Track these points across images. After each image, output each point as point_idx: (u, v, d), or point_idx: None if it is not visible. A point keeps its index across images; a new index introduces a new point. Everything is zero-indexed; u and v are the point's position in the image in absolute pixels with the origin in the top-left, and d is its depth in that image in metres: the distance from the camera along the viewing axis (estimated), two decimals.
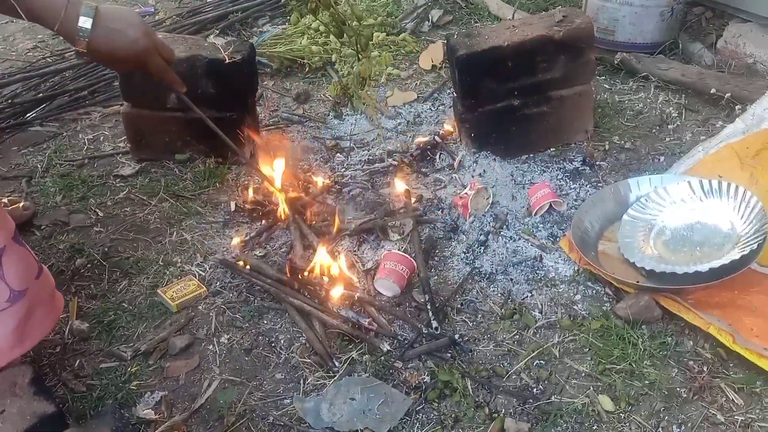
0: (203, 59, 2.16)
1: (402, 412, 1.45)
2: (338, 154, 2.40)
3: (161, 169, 2.30)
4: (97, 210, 2.13)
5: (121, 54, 1.37)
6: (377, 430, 1.42)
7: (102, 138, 2.54)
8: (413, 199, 2.09)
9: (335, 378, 1.54)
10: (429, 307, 1.68)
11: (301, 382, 1.55)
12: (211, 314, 1.74)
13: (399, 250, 1.87)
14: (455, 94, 2.34)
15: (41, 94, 2.71)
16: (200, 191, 2.19)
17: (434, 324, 1.64)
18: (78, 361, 1.62)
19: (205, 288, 1.79)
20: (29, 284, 1.39)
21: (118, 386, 1.55)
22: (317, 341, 1.61)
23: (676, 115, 2.44)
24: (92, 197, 2.20)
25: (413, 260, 1.81)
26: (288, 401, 1.51)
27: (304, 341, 1.64)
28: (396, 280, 1.75)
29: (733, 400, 1.45)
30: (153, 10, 3.63)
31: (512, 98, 2.20)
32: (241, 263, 1.85)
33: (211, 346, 1.66)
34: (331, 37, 2.92)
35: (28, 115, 2.63)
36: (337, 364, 1.57)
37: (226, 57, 2.16)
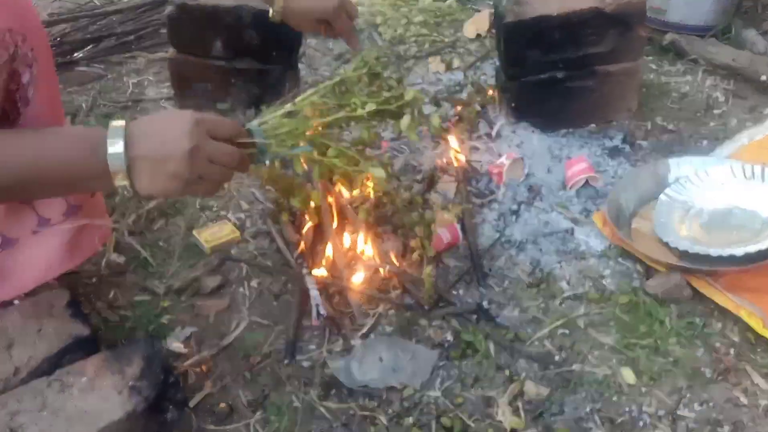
0: (250, 9, 2.17)
1: (431, 365, 1.47)
2: None
3: None
4: None
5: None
6: (411, 383, 1.44)
7: (146, 83, 2.57)
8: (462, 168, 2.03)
9: (363, 331, 1.56)
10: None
11: (326, 331, 1.57)
12: (243, 258, 1.77)
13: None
14: (498, 63, 2.32)
15: (89, 35, 2.75)
16: None
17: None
18: (113, 292, 1.67)
19: (239, 233, 1.81)
20: (84, 201, 1.40)
21: (150, 319, 1.59)
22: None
23: (723, 100, 2.39)
24: None
25: (458, 231, 1.80)
26: (313, 347, 1.54)
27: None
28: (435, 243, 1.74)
29: (758, 384, 1.44)
30: None
31: (557, 70, 2.17)
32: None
33: (241, 289, 1.69)
34: None
35: (75, 54, 2.67)
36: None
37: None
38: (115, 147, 0.95)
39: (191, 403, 1.39)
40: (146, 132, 0.99)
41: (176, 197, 0.98)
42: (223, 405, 1.39)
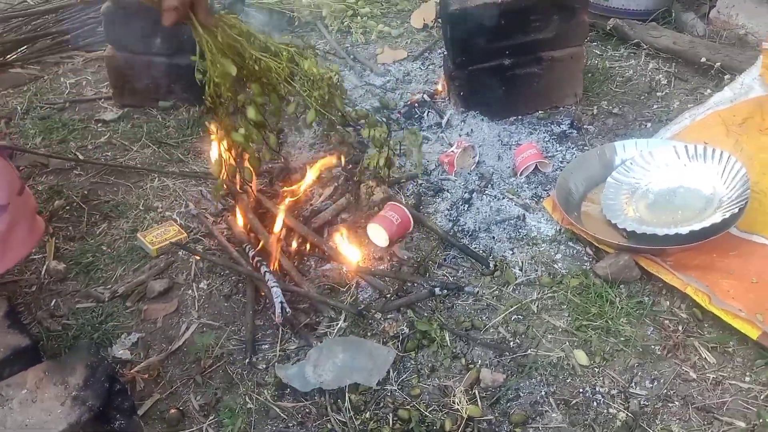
0: None
1: (388, 364, 1.45)
2: None
3: (144, 115, 2.27)
4: (78, 153, 2.10)
5: None
6: (367, 382, 1.41)
7: (84, 83, 2.49)
8: None
9: (318, 327, 1.54)
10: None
11: (280, 331, 1.54)
12: (191, 260, 1.72)
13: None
14: (446, 52, 2.31)
15: (23, 36, 2.64)
16: (183, 139, 2.16)
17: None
18: (54, 300, 1.61)
19: (185, 234, 1.77)
20: (11, 199, 1.36)
21: (95, 326, 1.54)
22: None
23: (666, 82, 2.43)
24: (72, 140, 2.16)
25: (410, 217, 1.79)
26: (266, 346, 1.51)
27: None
28: (385, 226, 1.74)
29: (705, 358, 1.47)
30: None
31: (503, 57, 2.18)
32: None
33: (190, 291, 1.65)
34: None
35: (9, 56, 2.57)
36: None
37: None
38: None
39: (140, 411, 1.35)
40: None
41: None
42: (173, 410, 1.35)
